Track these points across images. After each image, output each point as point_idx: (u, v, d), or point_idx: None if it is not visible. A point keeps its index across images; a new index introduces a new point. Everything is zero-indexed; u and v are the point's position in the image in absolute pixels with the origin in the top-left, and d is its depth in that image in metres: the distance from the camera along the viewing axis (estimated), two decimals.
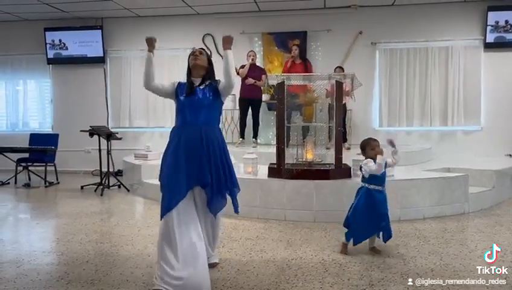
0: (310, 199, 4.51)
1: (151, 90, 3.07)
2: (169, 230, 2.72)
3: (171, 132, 3.00)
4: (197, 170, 2.83)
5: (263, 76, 6.69)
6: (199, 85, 3.02)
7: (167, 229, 2.74)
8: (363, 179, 3.43)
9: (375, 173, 3.30)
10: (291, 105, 4.98)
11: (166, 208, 2.75)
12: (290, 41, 7.40)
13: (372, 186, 3.37)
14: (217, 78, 3.11)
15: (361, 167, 3.44)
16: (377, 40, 7.44)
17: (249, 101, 6.78)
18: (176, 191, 2.78)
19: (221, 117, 3.34)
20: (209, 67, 3.12)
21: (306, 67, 6.70)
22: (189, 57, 3.10)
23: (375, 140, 3.44)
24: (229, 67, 2.98)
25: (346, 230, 3.48)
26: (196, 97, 2.95)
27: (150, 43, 3.01)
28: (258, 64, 7.32)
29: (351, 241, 3.44)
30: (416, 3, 7.20)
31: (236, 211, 3.18)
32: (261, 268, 3.15)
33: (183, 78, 3.15)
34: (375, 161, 3.31)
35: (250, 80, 6.62)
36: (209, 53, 3.17)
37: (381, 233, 3.42)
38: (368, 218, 3.33)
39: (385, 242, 3.44)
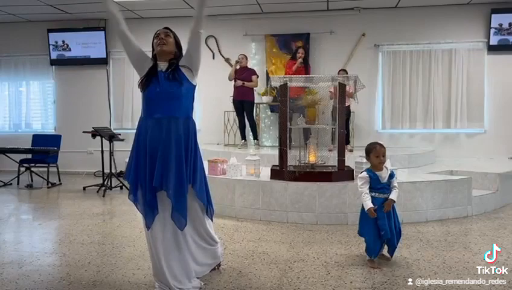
0: (313, 201, 4.50)
1: (121, 38, 2.78)
2: (151, 242, 2.69)
3: (138, 123, 2.72)
4: (159, 174, 2.56)
5: (253, 76, 6.75)
6: (166, 70, 2.65)
7: (149, 239, 2.73)
8: None
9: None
10: (294, 107, 4.97)
11: (147, 223, 2.68)
12: (294, 43, 7.41)
13: (372, 194, 3.20)
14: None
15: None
16: (380, 42, 7.43)
17: (241, 102, 6.81)
18: (149, 209, 2.62)
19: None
20: (178, 52, 2.73)
21: (307, 71, 6.72)
22: (153, 40, 2.71)
23: (382, 146, 3.21)
24: (202, 10, 2.61)
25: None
26: (158, 86, 2.60)
27: None
28: (260, 66, 7.35)
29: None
30: (419, 5, 7.19)
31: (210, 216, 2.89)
32: (263, 270, 3.14)
33: None
34: (371, 172, 3.20)
35: (239, 82, 6.69)
36: (176, 35, 2.76)
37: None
38: (374, 226, 3.17)
39: (391, 256, 3.33)
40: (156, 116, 2.61)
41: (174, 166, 2.57)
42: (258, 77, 6.91)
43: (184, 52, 2.75)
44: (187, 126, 2.66)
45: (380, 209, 3.16)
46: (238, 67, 6.80)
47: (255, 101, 7.03)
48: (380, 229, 3.15)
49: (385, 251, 3.36)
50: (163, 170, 2.57)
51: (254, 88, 6.91)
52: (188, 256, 2.75)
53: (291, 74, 6.38)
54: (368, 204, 3.16)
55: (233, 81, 6.78)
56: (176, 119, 2.62)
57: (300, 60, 6.58)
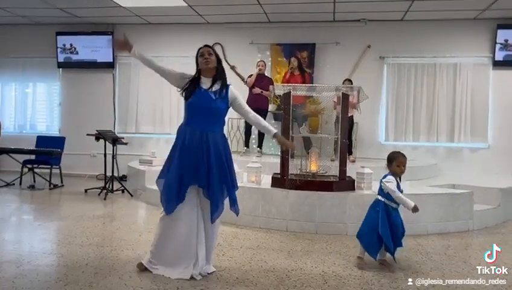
0: (313, 210, 4.49)
1: (160, 74, 3.12)
2: (166, 225, 3.03)
3: (178, 129, 3.06)
4: (193, 170, 2.92)
5: (270, 86, 6.74)
6: (210, 87, 3.01)
7: (164, 223, 3.05)
8: (381, 193, 3.40)
9: (391, 193, 3.31)
10: (297, 115, 4.98)
11: (167, 211, 2.98)
12: (299, 52, 7.44)
13: (388, 202, 3.36)
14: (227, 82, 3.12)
15: (381, 180, 3.41)
16: (385, 54, 7.45)
17: (255, 110, 6.76)
18: (174, 197, 2.95)
19: (225, 126, 3.33)
20: (219, 66, 3.10)
21: (304, 78, 6.73)
22: (197, 57, 3.07)
23: (404, 156, 3.41)
24: (263, 129, 3.36)
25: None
26: (204, 101, 2.97)
27: (123, 45, 3.06)
28: (266, 74, 7.36)
29: (366, 254, 3.42)
30: (425, 19, 7.21)
31: (236, 213, 3.18)
32: (260, 278, 3.13)
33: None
34: (395, 175, 3.37)
35: (257, 90, 6.66)
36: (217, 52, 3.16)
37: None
38: (382, 232, 3.28)
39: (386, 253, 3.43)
40: (199, 129, 2.95)
41: (218, 173, 2.95)
42: (274, 87, 6.87)
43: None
44: (223, 141, 3.06)
45: (395, 221, 3.35)
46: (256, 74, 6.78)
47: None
48: (383, 237, 3.29)
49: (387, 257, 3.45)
50: (208, 174, 2.93)
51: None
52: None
53: (285, 82, 6.46)
54: (410, 202, 3.27)
55: (244, 86, 6.78)
56: (216, 134, 3.01)
57: (290, 67, 6.72)
